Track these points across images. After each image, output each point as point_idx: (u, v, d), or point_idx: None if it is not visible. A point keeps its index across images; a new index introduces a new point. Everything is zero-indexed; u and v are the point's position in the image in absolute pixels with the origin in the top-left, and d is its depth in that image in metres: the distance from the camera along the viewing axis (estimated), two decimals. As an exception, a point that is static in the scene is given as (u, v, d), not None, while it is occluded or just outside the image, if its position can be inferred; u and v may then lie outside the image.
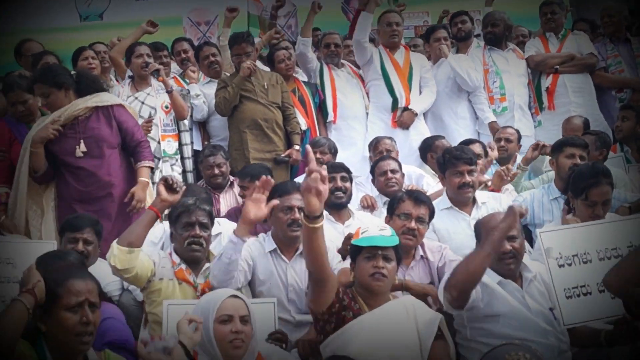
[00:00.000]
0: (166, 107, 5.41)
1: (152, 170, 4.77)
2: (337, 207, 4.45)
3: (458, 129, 6.08)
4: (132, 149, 4.65)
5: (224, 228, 4.38)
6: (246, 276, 3.74)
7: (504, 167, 4.70)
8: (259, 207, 3.42)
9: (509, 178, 4.65)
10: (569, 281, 3.20)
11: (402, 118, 5.98)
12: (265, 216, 3.52)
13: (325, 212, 4.37)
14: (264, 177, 3.48)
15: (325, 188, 2.77)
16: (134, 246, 3.36)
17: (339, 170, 4.54)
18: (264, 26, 7.09)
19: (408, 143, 5.88)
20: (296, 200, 3.78)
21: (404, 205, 3.78)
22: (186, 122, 5.62)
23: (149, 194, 4.61)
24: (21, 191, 4.50)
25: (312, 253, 2.93)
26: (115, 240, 3.40)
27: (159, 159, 5.25)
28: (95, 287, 2.60)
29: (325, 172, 2.77)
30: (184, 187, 3.66)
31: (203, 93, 5.90)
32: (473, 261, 3.09)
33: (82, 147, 4.46)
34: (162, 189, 3.45)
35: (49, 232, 4.50)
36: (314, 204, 2.77)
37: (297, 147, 5.70)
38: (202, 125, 6.07)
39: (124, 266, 3.35)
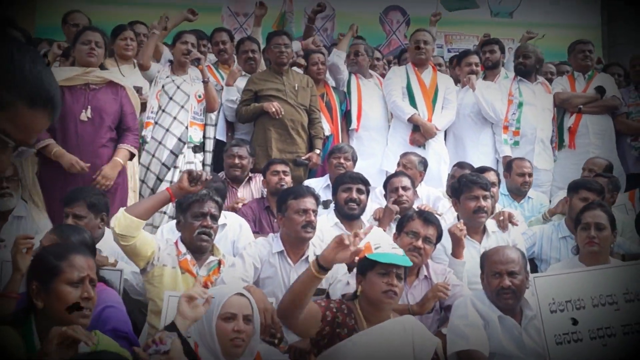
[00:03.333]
0: (199, 96, 5.49)
1: (132, 157, 4.82)
2: (350, 217, 4.53)
3: (478, 155, 6.04)
4: (121, 132, 4.77)
5: (229, 221, 4.46)
6: (256, 274, 3.78)
7: (506, 215, 4.53)
8: None
9: (502, 228, 4.48)
10: (560, 327, 3.19)
11: (422, 130, 5.90)
12: None
13: (336, 221, 4.52)
14: None
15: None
16: (139, 217, 3.38)
17: (357, 181, 4.59)
18: (281, 24, 6.91)
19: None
20: (310, 203, 3.87)
21: (413, 224, 3.83)
22: (213, 116, 5.64)
23: (132, 178, 4.84)
24: None
25: (298, 298, 2.87)
26: (123, 207, 3.47)
27: (184, 144, 5.32)
28: (94, 264, 2.63)
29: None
30: (209, 178, 3.56)
31: (237, 88, 5.89)
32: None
33: (89, 112, 4.58)
34: (184, 177, 3.41)
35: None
36: (332, 258, 2.78)
37: (317, 152, 5.76)
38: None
39: (121, 231, 3.35)
